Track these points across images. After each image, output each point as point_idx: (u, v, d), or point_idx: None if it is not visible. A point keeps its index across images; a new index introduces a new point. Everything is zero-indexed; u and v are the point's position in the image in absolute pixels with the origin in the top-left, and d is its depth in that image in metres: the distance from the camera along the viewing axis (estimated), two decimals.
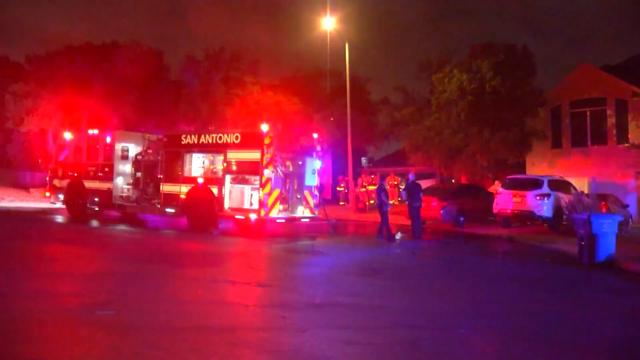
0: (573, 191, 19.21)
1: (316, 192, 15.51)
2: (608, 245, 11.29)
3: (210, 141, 15.08)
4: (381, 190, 15.48)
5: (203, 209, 14.76)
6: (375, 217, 16.89)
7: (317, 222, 16.26)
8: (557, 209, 18.01)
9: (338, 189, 30.00)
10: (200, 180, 15.04)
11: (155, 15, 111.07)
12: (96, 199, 17.30)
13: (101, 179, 17.24)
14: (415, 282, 9.33)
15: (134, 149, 17.30)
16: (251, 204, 13.98)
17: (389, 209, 15.35)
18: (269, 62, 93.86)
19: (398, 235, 15.97)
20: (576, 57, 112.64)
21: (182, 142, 15.62)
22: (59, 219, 18.23)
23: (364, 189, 25.76)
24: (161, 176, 15.95)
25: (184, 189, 15.27)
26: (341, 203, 28.78)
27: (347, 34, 27.77)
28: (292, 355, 4.92)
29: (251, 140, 14.22)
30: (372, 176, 27.06)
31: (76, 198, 17.76)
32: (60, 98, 29.76)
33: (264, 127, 14.07)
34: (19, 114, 30.60)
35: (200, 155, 15.53)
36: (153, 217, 17.36)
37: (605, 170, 24.82)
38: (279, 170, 14.56)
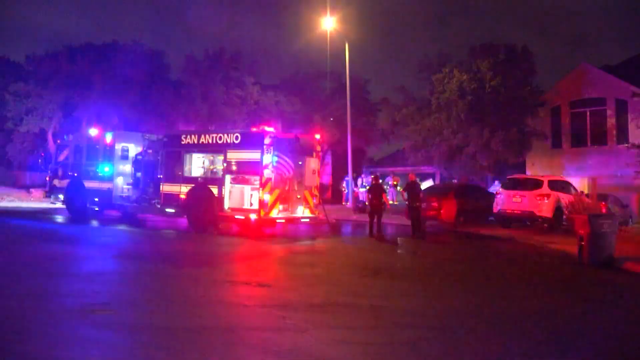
0: (573, 191, 19.21)
1: (316, 192, 15.50)
2: (608, 245, 11.27)
3: (210, 141, 15.09)
4: (382, 190, 15.69)
5: (203, 209, 14.76)
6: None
7: (317, 222, 16.26)
8: (557, 209, 17.99)
9: (341, 189, 30.00)
10: (200, 181, 15.05)
11: (155, 15, 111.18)
12: (96, 199, 17.31)
13: (101, 179, 17.25)
14: (415, 282, 9.33)
15: (134, 149, 17.31)
16: (251, 204, 13.98)
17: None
18: (269, 62, 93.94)
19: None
20: (576, 57, 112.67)
21: (182, 142, 15.63)
22: (59, 219, 18.23)
23: (363, 189, 25.73)
24: (161, 176, 15.97)
25: (184, 189, 15.27)
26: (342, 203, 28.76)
27: (347, 34, 27.75)
28: (292, 355, 4.92)
29: (251, 140, 14.24)
30: (373, 176, 27.00)
31: (76, 198, 17.77)
32: (60, 98, 29.75)
33: (264, 127, 14.08)
34: (19, 114, 30.62)
35: (200, 155, 15.55)
36: (153, 217, 17.37)
37: (605, 170, 24.80)
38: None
